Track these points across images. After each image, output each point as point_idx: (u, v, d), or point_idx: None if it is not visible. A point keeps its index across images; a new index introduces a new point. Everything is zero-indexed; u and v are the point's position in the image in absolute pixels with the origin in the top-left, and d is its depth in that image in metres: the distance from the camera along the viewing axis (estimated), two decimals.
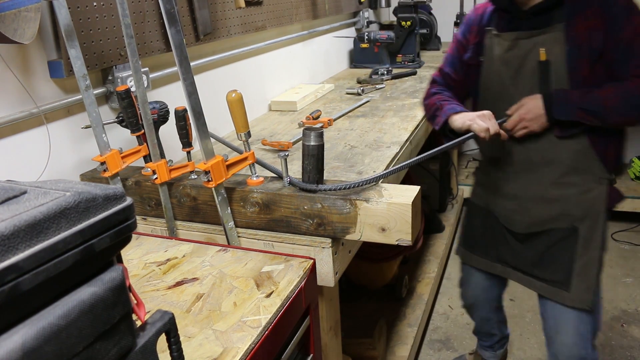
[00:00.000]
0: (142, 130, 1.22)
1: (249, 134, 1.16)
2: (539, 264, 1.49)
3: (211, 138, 1.15)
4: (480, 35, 1.49)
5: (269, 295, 0.92)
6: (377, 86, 2.43)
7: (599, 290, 1.46)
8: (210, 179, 1.10)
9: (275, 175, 1.22)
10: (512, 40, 1.41)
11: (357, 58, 3.03)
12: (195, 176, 1.25)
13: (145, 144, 1.24)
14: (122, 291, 0.50)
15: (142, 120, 1.20)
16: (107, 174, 1.21)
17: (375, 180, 1.11)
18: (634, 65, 1.29)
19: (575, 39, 1.32)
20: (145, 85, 1.42)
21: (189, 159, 1.26)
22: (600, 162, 1.38)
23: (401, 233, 1.04)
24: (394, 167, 1.20)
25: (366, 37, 2.91)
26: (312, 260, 1.02)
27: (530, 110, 1.35)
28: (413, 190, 1.07)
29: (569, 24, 1.32)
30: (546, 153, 1.40)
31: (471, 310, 1.92)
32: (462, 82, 1.58)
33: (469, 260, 1.75)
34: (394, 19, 3.16)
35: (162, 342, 0.58)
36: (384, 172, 1.14)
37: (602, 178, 1.40)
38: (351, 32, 3.15)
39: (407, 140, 1.63)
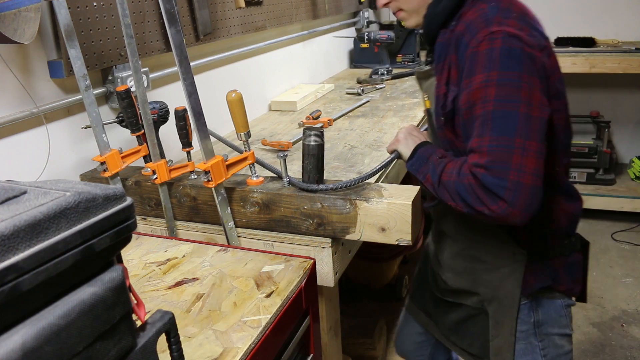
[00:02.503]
0: (142, 130, 1.22)
1: (248, 134, 1.16)
2: (455, 332, 1.29)
3: (211, 137, 1.15)
4: None
5: (269, 295, 0.92)
6: (377, 86, 2.43)
7: None
8: (210, 179, 1.10)
9: (275, 175, 1.22)
10: (417, 79, 1.24)
11: (357, 58, 3.03)
12: (195, 176, 1.25)
13: (145, 144, 1.24)
14: (122, 291, 0.50)
15: (142, 120, 1.20)
16: (107, 174, 1.21)
17: (365, 178, 1.10)
18: (469, 144, 0.98)
19: (437, 89, 1.08)
20: (145, 85, 1.42)
21: (189, 159, 1.26)
22: (509, 237, 1.11)
23: (401, 233, 1.04)
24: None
25: (366, 37, 2.91)
26: (312, 260, 1.02)
27: (406, 137, 1.17)
28: (413, 190, 1.07)
29: (437, 70, 1.08)
30: (456, 216, 1.16)
31: None
32: None
33: (409, 306, 1.49)
34: (394, 19, 3.16)
35: (162, 342, 0.58)
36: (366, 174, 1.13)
37: (516, 254, 1.11)
38: (351, 32, 3.15)
39: None
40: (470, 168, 0.95)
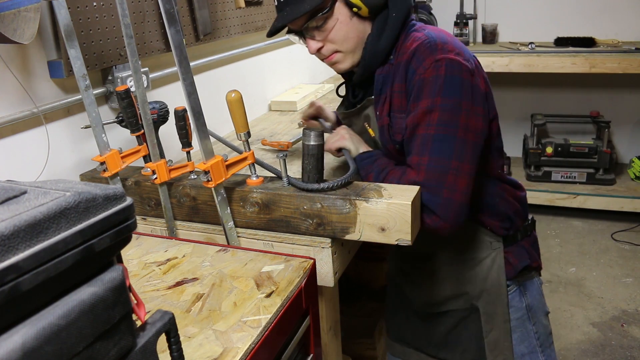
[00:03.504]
0: (142, 130, 1.22)
1: (248, 134, 1.16)
2: (445, 346, 1.29)
3: (211, 137, 1.15)
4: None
5: (269, 295, 0.92)
6: None
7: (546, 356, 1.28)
8: (209, 179, 1.10)
9: (274, 175, 1.22)
10: (344, 119, 1.29)
11: None
12: (195, 176, 1.25)
13: (145, 144, 1.24)
14: (122, 291, 0.50)
15: (141, 120, 1.20)
16: (106, 174, 1.21)
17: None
18: (408, 160, 1.08)
19: (380, 121, 1.14)
20: (145, 85, 1.42)
21: (189, 159, 1.26)
22: (483, 228, 1.17)
23: (401, 233, 1.04)
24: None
25: None
26: (312, 260, 1.02)
27: (352, 136, 1.21)
28: (413, 190, 1.07)
29: (377, 101, 1.13)
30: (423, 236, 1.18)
31: None
32: None
33: (387, 345, 1.48)
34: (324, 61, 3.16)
35: (162, 342, 0.58)
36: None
37: (492, 243, 1.19)
38: None
39: None
40: (409, 184, 1.04)
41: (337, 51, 1.15)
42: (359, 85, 1.21)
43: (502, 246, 1.20)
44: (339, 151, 1.24)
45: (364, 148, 1.21)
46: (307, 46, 1.16)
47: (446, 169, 1.01)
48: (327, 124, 1.42)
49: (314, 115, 1.43)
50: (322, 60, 1.19)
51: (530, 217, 1.27)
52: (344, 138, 1.22)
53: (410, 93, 1.06)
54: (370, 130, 1.19)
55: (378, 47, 1.11)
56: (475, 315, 1.23)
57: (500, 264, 1.19)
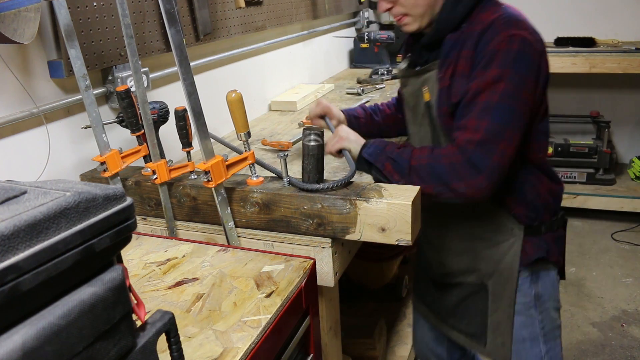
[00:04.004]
0: (142, 130, 1.22)
1: (248, 134, 1.16)
2: (453, 315, 1.37)
3: (211, 138, 1.15)
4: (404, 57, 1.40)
5: (269, 295, 0.92)
6: (377, 86, 2.43)
7: (521, 342, 1.29)
8: (210, 179, 1.10)
9: (274, 175, 1.22)
10: (402, 78, 1.32)
11: (357, 58, 3.03)
12: (195, 176, 1.25)
13: (145, 144, 1.24)
14: (122, 291, 0.50)
15: (142, 120, 1.20)
16: (107, 174, 1.21)
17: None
18: (460, 123, 1.11)
19: (441, 82, 1.16)
20: (145, 85, 1.42)
21: (189, 159, 1.26)
22: (507, 213, 1.21)
23: (401, 233, 1.04)
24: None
25: (366, 37, 2.91)
26: (312, 260, 1.02)
27: (350, 134, 1.23)
28: (413, 190, 1.07)
29: (442, 64, 1.16)
30: (449, 204, 1.21)
31: None
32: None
33: (414, 303, 1.58)
34: (393, 19, 3.16)
35: (162, 342, 0.58)
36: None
37: (514, 229, 1.22)
38: (351, 32, 3.15)
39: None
40: (461, 143, 1.08)
41: (405, 14, 1.19)
42: (426, 47, 1.23)
43: (522, 234, 1.22)
44: (340, 152, 1.25)
45: (364, 142, 1.23)
46: (377, 4, 1.22)
47: (502, 136, 1.06)
48: (333, 123, 1.42)
49: (321, 114, 1.43)
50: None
51: (560, 213, 1.29)
52: (342, 139, 1.23)
53: (477, 61, 1.10)
54: (427, 94, 1.21)
55: (453, 14, 1.15)
56: (484, 293, 1.28)
57: (517, 251, 1.22)
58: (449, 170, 1.08)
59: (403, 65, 1.35)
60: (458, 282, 1.33)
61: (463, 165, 1.07)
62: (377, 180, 1.19)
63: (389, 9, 1.20)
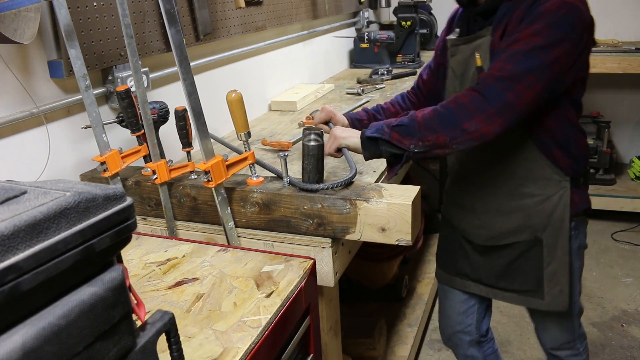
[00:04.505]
0: (142, 130, 1.22)
1: (249, 134, 1.16)
2: (505, 276, 1.41)
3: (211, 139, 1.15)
4: (447, 33, 1.43)
5: (269, 295, 0.92)
6: (377, 86, 2.43)
7: (575, 288, 1.42)
8: (210, 179, 1.10)
9: (274, 175, 1.22)
10: (452, 46, 1.35)
11: (357, 58, 3.03)
12: (195, 176, 1.25)
13: (145, 144, 1.24)
14: (122, 291, 0.50)
15: (142, 120, 1.20)
16: (107, 174, 1.21)
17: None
18: (490, 66, 1.16)
19: (493, 44, 1.22)
20: (145, 85, 1.42)
21: (189, 159, 1.26)
22: (555, 167, 1.28)
23: (401, 233, 1.04)
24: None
25: (366, 37, 2.91)
26: (312, 260, 1.02)
27: (344, 131, 1.25)
28: (413, 190, 1.07)
29: (495, 28, 1.22)
30: (495, 164, 1.32)
31: (451, 346, 1.68)
32: (433, 83, 1.51)
33: (441, 277, 1.60)
34: (394, 19, 3.16)
35: (162, 342, 0.58)
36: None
37: (561, 182, 1.29)
38: (351, 32, 3.15)
39: None
40: (480, 79, 1.13)
41: None
42: (481, 14, 1.28)
43: (569, 185, 1.29)
44: (339, 151, 1.25)
45: (360, 131, 1.24)
46: None
47: (522, 78, 1.10)
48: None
49: (325, 120, 1.44)
50: None
51: (587, 165, 1.38)
52: (338, 137, 1.24)
53: (525, 19, 1.15)
54: (479, 59, 1.25)
55: None
56: (538, 247, 1.33)
57: (567, 201, 1.29)
58: (457, 110, 1.11)
59: (453, 36, 1.37)
60: (509, 243, 1.36)
61: (472, 101, 1.10)
62: (389, 157, 1.20)
63: None
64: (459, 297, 1.57)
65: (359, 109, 1.57)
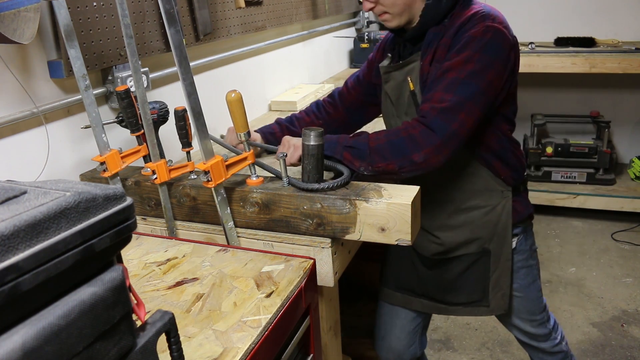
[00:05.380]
0: (142, 130, 1.22)
1: (248, 134, 1.16)
2: (452, 290, 1.43)
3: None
4: (381, 57, 1.47)
5: (269, 295, 0.92)
6: None
7: (536, 285, 1.48)
8: (209, 179, 1.10)
9: (274, 175, 1.22)
10: (384, 73, 1.38)
11: (357, 58, 3.03)
12: (195, 176, 1.25)
13: (145, 144, 1.24)
14: (122, 291, 0.50)
15: (141, 120, 1.20)
16: (106, 174, 1.21)
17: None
18: (426, 96, 1.20)
19: (422, 69, 1.26)
20: (145, 85, 1.42)
21: (189, 159, 1.26)
22: (497, 178, 1.33)
23: (401, 233, 1.04)
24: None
25: (366, 37, 2.91)
26: (312, 260, 1.02)
27: (292, 146, 1.27)
28: (413, 190, 1.07)
29: (424, 53, 1.27)
30: (442, 182, 1.35)
31: None
32: (357, 95, 1.55)
33: (387, 296, 1.57)
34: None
35: (162, 342, 0.58)
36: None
37: (504, 192, 1.35)
38: (351, 32, 3.15)
39: None
40: (422, 111, 1.17)
41: (386, 12, 1.29)
42: (410, 40, 1.33)
43: (511, 195, 1.35)
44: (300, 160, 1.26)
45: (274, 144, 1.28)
46: (362, 3, 1.32)
47: (463, 107, 1.15)
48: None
49: (237, 141, 1.45)
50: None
51: (525, 173, 1.45)
52: (297, 147, 1.26)
53: (452, 46, 1.21)
54: (411, 84, 1.30)
55: (437, 10, 1.26)
56: (486, 257, 1.38)
57: (509, 210, 1.35)
58: (408, 142, 1.15)
59: (385, 62, 1.41)
60: (457, 256, 1.40)
61: (421, 133, 1.15)
62: (336, 173, 1.22)
63: (371, 9, 1.30)
64: (407, 315, 1.55)
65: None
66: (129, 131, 1.25)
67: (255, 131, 1.49)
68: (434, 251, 1.41)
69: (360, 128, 1.59)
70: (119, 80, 1.37)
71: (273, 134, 1.51)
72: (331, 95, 1.61)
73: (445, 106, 1.15)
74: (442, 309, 1.48)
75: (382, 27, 3.41)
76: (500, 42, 1.18)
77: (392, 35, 1.44)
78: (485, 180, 1.34)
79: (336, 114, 1.56)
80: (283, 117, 1.55)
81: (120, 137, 1.42)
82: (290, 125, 1.54)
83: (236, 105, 1.12)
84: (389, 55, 1.42)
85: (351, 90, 1.57)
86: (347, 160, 1.19)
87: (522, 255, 1.42)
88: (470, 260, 1.40)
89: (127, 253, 1.10)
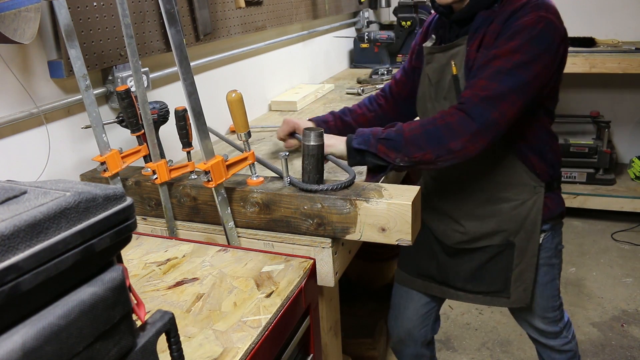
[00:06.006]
0: (142, 130, 1.22)
1: (249, 134, 1.16)
2: (473, 279, 1.43)
3: (212, 136, 1.15)
4: (423, 39, 1.44)
5: (269, 295, 0.92)
6: (377, 86, 2.43)
7: (555, 284, 1.47)
8: (210, 179, 1.10)
9: (275, 175, 1.22)
10: (427, 54, 1.35)
11: (357, 58, 3.03)
12: (195, 176, 1.25)
13: (145, 144, 1.24)
14: (122, 291, 0.50)
15: (142, 120, 1.20)
16: (107, 174, 1.21)
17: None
18: (470, 83, 1.17)
19: (469, 55, 1.23)
20: (145, 85, 1.42)
21: (189, 159, 1.26)
22: (532, 172, 1.31)
23: (401, 233, 1.04)
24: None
25: (366, 37, 2.91)
26: (312, 260, 1.02)
27: (286, 120, 1.30)
28: (413, 190, 1.07)
29: (471, 38, 1.23)
30: (474, 171, 1.33)
31: (401, 346, 1.66)
32: (404, 85, 1.51)
33: (402, 279, 1.58)
34: (394, 19, 3.16)
35: (162, 342, 0.58)
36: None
37: (536, 187, 1.32)
38: (351, 32, 3.15)
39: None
40: (463, 98, 1.15)
41: None
42: (457, 22, 1.29)
43: (543, 191, 1.32)
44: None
45: (345, 137, 1.23)
46: None
47: (506, 97, 1.13)
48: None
49: (289, 132, 1.43)
50: None
51: (561, 169, 1.42)
52: (288, 122, 1.27)
53: (502, 32, 1.17)
54: (454, 68, 1.26)
55: None
56: (510, 250, 1.36)
57: (540, 207, 1.32)
58: (444, 129, 1.13)
59: (429, 43, 1.37)
60: (481, 247, 1.38)
61: (459, 120, 1.12)
62: (372, 167, 1.21)
63: None
64: (422, 299, 1.57)
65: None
66: (129, 131, 1.25)
67: (308, 119, 1.47)
68: (457, 240, 1.40)
69: (414, 119, 1.54)
70: (119, 80, 1.37)
71: (326, 122, 1.49)
72: (383, 89, 1.60)
73: (487, 94, 1.13)
74: (461, 297, 1.47)
75: (382, 27, 3.41)
76: (551, 34, 1.15)
77: (437, 17, 1.39)
78: (519, 174, 1.31)
79: (387, 106, 1.55)
80: (283, 117, 1.55)
81: (121, 137, 1.42)
82: (344, 115, 1.53)
83: (236, 105, 1.12)
84: (433, 36, 1.37)
85: (399, 81, 1.54)
86: (382, 153, 1.16)
87: (547, 253, 1.40)
88: (494, 252, 1.38)
89: (127, 253, 1.10)
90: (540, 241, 1.37)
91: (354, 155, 1.20)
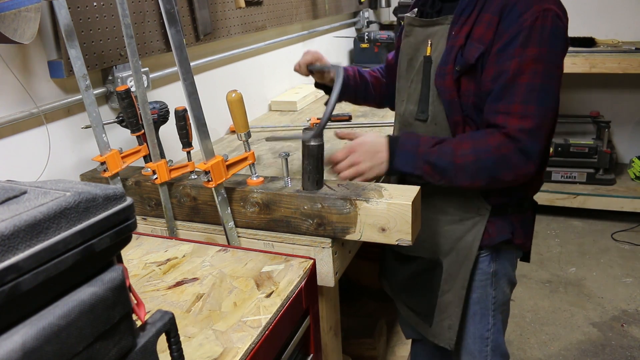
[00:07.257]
0: (142, 130, 1.22)
1: (249, 134, 1.16)
2: (404, 290, 1.37)
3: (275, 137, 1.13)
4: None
5: (269, 295, 0.92)
6: None
7: (497, 326, 1.30)
8: (210, 179, 1.10)
9: (274, 175, 1.22)
10: (408, 25, 1.24)
11: (357, 58, 3.03)
12: (195, 176, 1.25)
13: (145, 144, 1.24)
14: (122, 291, 0.50)
15: (142, 120, 1.20)
16: (107, 174, 1.21)
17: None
18: (502, 107, 1.08)
19: (453, 40, 1.13)
20: (145, 85, 1.42)
21: (189, 159, 1.26)
22: (478, 192, 1.19)
23: (401, 233, 1.04)
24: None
25: (366, 37, 2.91)
26: (312, 261, 1.02)
27: (366, 156, 1.16)
28: (413, 190, 1.07)
29: (456, 21, 1.13)
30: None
31: None
32: (394, 65, 1.40)
33: (382, 283, 1.55)
34: (394, 19, 3.16)
35: (162, 342, 0.58)
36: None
37: (480, 209, 1.20)
38: (351, 32, 3.15)
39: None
40: (512, 132, 1.07)
41: None
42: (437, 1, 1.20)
43: (487, 215, 1.20)
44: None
45: (384, 156, 1.16)
46: None
47: (548, 119, 1.09)
48: (328, 64, 1.39)
49: (311, 62, 1.40)
50: None
51: (531, 196, 1.28)
52: (360, 171, 1.17)
53: (510, 34, 1.08)
54: (429, 48, 1.17)
55: None
56: (438, 270, 1.26)
57: (479, 231, 1.21)
58: (499, 162, 1.08)
59: (411, 14, 1.28)
60: (414, 256, 1.30)
61: (514, 154, 1.07)
62: (410, 180, 1.17)
63: None
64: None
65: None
66: (129, 131, 1.25)
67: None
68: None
69: None
70: (119, 80, 1.37)
71: (346, 70, 1.44)
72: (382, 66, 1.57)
73: (533, 126, 1.06)
74: (400, 304, 1.44)
75: (382, 27, 3.41)
76: (561, 29, 1.09)
77: None
78: (463, 191, 1.20)
79: (385, 81, 1.53)
80: (283, 117, 1.55)
81: (121, 137, 1.42)
82: (364, 73, 1.50)
83: (236, 105, 1.12)
84: (415, 9, 1.28)
85: (390, 61, 1.50)
86: (428, 174, 1.12)
87: (481, 277, 1.26)
88: (423, 266, 1.29)
89: (127, 253, 1.10)
90: (474, 262, 1.23)
91: (394, 173, 1.18)
